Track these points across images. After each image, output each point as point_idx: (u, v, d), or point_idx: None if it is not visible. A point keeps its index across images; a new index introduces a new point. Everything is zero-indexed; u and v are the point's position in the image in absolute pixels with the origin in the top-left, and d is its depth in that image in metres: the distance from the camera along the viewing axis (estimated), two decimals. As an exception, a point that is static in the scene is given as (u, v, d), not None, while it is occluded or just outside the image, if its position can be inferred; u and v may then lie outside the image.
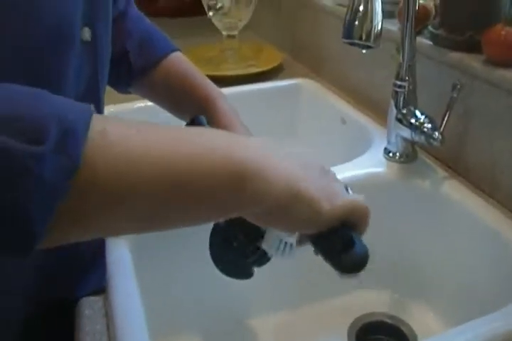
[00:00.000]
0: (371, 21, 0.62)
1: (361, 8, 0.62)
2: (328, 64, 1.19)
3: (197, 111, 0.71)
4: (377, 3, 0.62)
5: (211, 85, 0.76)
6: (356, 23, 0.62)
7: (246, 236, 0.55)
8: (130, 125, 0.37)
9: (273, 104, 1.15)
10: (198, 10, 1.32)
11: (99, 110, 0.63)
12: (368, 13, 0.62)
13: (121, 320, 0.56)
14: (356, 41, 0.63)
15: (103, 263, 0.64)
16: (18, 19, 0.46)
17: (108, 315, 0.58)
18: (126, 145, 0.35)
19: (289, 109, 1.16)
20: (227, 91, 1.13)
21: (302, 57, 1.32)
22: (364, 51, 0.64)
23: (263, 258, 0.56)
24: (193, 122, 0.68)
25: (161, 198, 0.36)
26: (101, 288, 0.63)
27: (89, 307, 0.60)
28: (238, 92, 1.15)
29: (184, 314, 0.75)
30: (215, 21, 1.27)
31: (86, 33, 0.56)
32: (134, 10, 0.79)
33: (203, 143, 0.39)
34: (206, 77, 0.77)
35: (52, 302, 0.62)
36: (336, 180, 0.49)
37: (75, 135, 0.32)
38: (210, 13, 1.21)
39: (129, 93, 0.81)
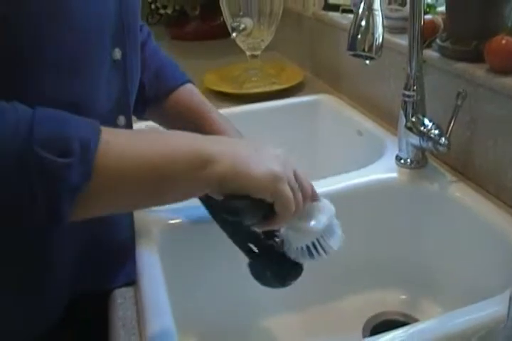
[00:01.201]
0: (373, 34, 0.68)
1: (363, 23, 0.68)
2: (346, 80, 1.25)
3: None
4: (377, 18, 0.68)
5: (215, 112, 0.83)
6: (359, 36, 0.68)
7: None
8: (124, 135, 0.54)
9: (294, 119, 1.21)
10: (224, 33, 1.39)
11: (129, 122, 0.69)
12: (370, 27, 0.68)
13: (149, 306, 0.62)
14: (359, 53, 0.68)
15: (133, 259, 0.70)
16: (57, 29, 0.52)
17: (138, 303, 0.64)
18: (121, 150, 0.50)
19: (309, 122, 1.22)
20: (251, 107, 1.21)
21: (322, 74, 1.38)
22: (368, 62, 0.70)
23: (296, 271, 0.65)
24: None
25: (148, 180, 0.51)
26: (131, 282, 0.69)
27: (121, 296, 0.66)
28: (262, 108, 1.21)
29: (200, 311, 0.80)
30: (239, 42, 1.34)
31: (117, 53, 0.62)
32: (152, 42, 0.85)
33: (173, 141, 0.54)
34: (213, 106, 0.84)
35: (89, 293, 0.67)
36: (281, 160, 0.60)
37: (90, 150, 0.47)
38: (234, 34, 1.28)
39: (146, 119, 0.87)
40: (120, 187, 0.51)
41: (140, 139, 0.53)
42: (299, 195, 0.60)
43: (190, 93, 0.83)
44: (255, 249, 0.66)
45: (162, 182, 0.52)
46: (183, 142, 0.55)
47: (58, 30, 0.52)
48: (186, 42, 1.83)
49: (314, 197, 0.66)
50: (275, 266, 0.65)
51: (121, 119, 0.65)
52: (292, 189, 0.59)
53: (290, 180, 0.59)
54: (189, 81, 0.84)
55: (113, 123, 0.64)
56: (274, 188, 0.57)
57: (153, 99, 0.81)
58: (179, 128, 0.81)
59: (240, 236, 0.68)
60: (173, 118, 0.83)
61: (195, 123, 0.80)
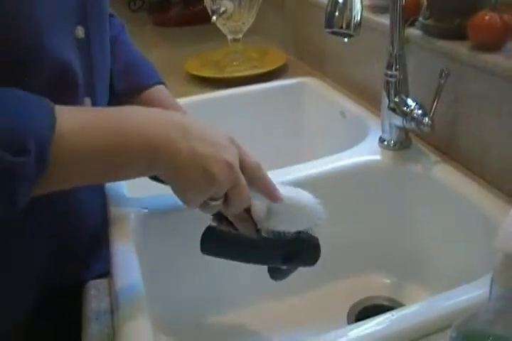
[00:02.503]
0: (350, 11, 0.65)
1: (341, -1, 0.65)
2: (330, 62, 1.23)
3: None
4: (355, -6, 0.65)
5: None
6: (336, 13, 0.66)
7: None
8: (79, 120, 0.50)
9: (277, 102, 1.19)
10: (207, 18, 1.36)
11: (96, 104, 0.67)
12: (348, 3, 0.66)
13: (123, 297, 0.60)
14: (337, 30, 0.66)
15: (107, 251, 0.68)
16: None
17: (112, 294, 0.62)
18: (75, 141, 0.49)
19: (292, 105, 1.20)
20: (233, 92, 1.19)
21: (306, 57, 1.35)
22: (346, 40, 0.68)
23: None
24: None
25: (100, 169, 0.52)
26: (106, 273, 0.67)
27: (95, 288, 0.65)
28: (245, 92, 1.19)
29: (182, 299, 0.78)
30: (219, 25, 1.31)
31: (80, 31, 0.60)
32: (127, 38, 0.82)
33: (127, 127, 0.53)
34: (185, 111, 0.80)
35: (62, 285, 0.66)
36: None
37: (45, 148, 0.46)
38: (214, 18, 1.25)
39: None
40: (72, 175, 0.51)
41: (95, 126, 0.51)
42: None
43: (165, 93, 0.81)
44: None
45: (114, 169, 0.53)
46: (136, 128, 0.53)
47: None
48: (169, 28, 1.79)
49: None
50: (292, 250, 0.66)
51: (87, 101, 0.64)
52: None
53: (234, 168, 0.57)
54: (163, 82, 0.81)
55: (78, 104, 0.63)
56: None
57: (122, 94, 0.78)
58: None
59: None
60: None
61: None
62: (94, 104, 0.65)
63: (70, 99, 0.61)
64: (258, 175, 0.60)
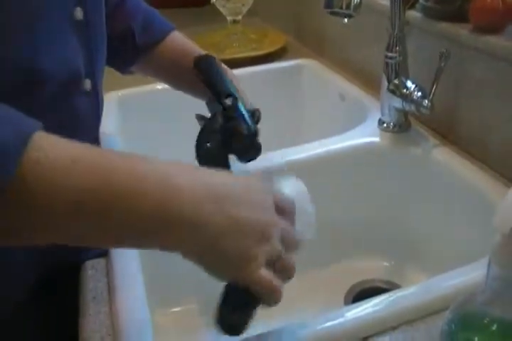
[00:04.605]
0: (351, -10, 0.65)
1: (340, -22, 0.65)
2: (330, 44, 1.22)
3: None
4: (355, -27, 0.64)
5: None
6: (336, -8, 0.65)
7: None
8: (67, 153, 0.39)
9: (277, 84, 1.18)
10: (206, -1, 1.36)
11: (96, 87, 0.67)
12: (348, -18, 0.65)
13: (120, 277, 0.60)
14: (337, 10, 0.65)
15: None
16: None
17: (109, 274, 0.62)
18: (56, 175, 0.38)
19: (292, 88, 1.19)
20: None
21: (306, 39, 1.34)
22: (346, 20, 0.67)
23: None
24: (199, 63, 0.76)
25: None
26: (103, 253, 0.67)
27: (93, 267, 0.64)
28: (244, 74, 1.17)
29: (181, 277, 0.78)
30: (219, 7, 1.30)
31: (78, 13, 0.60)
32: None
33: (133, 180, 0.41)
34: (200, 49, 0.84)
35: (61, 265, 0.66)
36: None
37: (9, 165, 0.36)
38: (213, -1, 1.24)
39: (132, 73, 0.85)
40: (39, 218, 0.39)
41: (90, 162, 0.40)
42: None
43: (179, 37, 0.84)
44: None
45: (104, 230, 0.41)
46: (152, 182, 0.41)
47: None
48: (168, 9, 1.77)
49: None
50: None
51: (87, 83, 0.63)
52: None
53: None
54: (175, 29, 0.84)
55: (78, 88, 0.62)
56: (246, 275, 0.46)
57: (144, 47, 0.80)
58: (174, 75, 0.83)
59: None
60: (168, 63, 0.82)
61: (188, 61, 0.78)
62: (94, 85, 0.65)
63: (71, 81, 0.60)
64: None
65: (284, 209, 0.49)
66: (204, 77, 0.75)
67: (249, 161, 0.71)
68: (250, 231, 0.45)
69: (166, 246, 0.43)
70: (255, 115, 0.74)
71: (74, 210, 0.38)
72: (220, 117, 0.69)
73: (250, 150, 0.70)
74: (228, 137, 0.68)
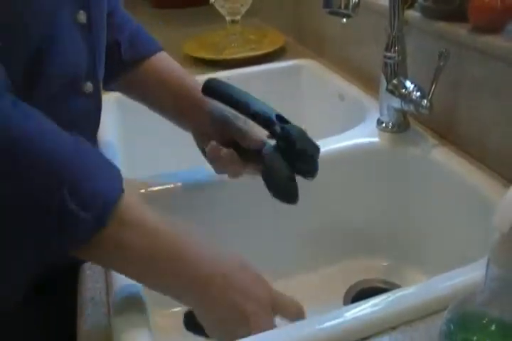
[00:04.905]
0: (349, -10, 0.65)
1: (340, -22, 0.65)
2: (329, 44, 1.22)
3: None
4: (354, -27, 0.64)
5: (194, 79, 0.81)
6: (335, -8, 0.65)
7: None
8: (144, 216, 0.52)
9: (276, 84, 1.18)
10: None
11: (97, 90, 0.67)
12: (346, -18, 0.65)
13: (119, 276, 0.59)
14: (335, 10, 0.65)
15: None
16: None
17: (107, 275, 0.62)
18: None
19: (291, 88, 1.19)
20: (231, 73, 1.17)
21: (305, 39, 1.34)
22: (344, 20, 0.67)
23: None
24: (206, 88, 0.73)
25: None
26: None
27: (91, 268, 0.64)
28: (242, 74, 1.18)
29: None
30: (218, 7, 1.30)
31: (82, 16, 0.60)
32: (123, 10, 0.82)
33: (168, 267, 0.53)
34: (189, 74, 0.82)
35: (60, 265, 0.66)
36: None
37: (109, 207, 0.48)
38: (212, -1, 1.24)
39: (113, 90, 0.84)
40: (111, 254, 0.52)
41: (151, 227, 0.53)
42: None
43: (169, 59, 0.82)
44: None
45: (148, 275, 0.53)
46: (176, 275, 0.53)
47: None
48: (167, 10, 1.77)
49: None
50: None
51: (89, 86, 0.63)
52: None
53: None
54: (162, 49, 0.82)
55: (79, 90, 0.62)
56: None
57: (129, 62, 0.78)
58: (155, 97, 0.80)
59: None
60: (151, 83, 0.80)
61: (176, 84, 0.78)
62: (95, 88, 0.64)
63: (73, 83, 0.60)
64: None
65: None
66: (222, 99, 0.73)
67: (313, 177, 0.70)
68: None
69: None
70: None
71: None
72: (277, 151, 0.69)
73: (317, 166, 0.70)
74: (295, 160, 0.68)
